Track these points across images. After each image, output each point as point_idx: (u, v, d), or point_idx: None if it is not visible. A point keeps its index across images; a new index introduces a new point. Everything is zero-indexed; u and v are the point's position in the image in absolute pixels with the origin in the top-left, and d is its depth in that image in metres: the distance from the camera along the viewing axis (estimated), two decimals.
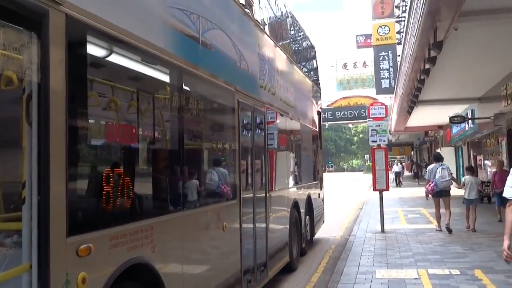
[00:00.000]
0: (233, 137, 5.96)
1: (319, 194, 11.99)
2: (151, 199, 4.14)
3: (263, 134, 7.31)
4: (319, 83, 13.41)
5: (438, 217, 12.31)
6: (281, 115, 8.51)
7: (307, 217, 10.25)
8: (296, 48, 11.13)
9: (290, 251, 8.43)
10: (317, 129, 12.38)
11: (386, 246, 10.18)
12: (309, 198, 10.48)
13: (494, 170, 15.19)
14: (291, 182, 9.27)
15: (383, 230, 12.18)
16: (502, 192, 10.98)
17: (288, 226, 8.35)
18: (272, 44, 8.20)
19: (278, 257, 7.66)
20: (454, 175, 15.29)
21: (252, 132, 6.74)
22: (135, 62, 3.98)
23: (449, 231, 11.62)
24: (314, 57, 13.48)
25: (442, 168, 12.02)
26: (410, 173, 48.90)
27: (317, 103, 12.77)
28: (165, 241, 4.01)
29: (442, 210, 12.05)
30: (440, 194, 12.12)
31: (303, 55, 11.99)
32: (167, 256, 4.03)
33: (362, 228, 13.10)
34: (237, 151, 5.94)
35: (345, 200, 24.90)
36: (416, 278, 7.24)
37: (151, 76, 4.30)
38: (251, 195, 6.53)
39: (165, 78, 4.47)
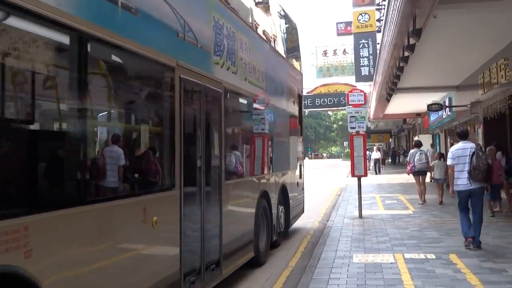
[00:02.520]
0: (171, 118, 5.08)
1: (297, 183, 11.26)
2: (26, 192, 3.22)
3: (217, 116, 6.46)
4: (300, 65, 12.60)
5: (420, 192, 15.08)
6: (247, 96, 7.80)
7: (281, 207, 9.52)
8: (271, 26, 10.10)
9: (256, 245, 7.74)
10: (297, 114, 11.58)
11: (364, 231, 10.29)
12: (283, 187, 9.79)
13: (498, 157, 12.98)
14: (258, 170, 8.41)
15: (361, 216, 12.30)
16: (496, 185, 11.20)
17: (253, 218, 7.67)
18: (235, 19, 7.47)
19: (239, 252, 6.96)
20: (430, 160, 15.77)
21: (201, 114, 5.87)
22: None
23: (424, 200, 14.84)
24: (295, 38, 12.43)
25: (420, 152, 15.13)
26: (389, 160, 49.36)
27: (297, 86, 11.91)
28: (48, 245, 3.22)
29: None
30: (418, 173, 15.07)
31: (280, 35, 10.94)
32: (50, 263, 3.23)
33: (340, 214, 13.21)
34: (176, 135, 5.08)
35: (324, 186, 25.07)
36: (392, 263, 7.34)
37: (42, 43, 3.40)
38: (198, 185, 5.69)
39: (64, 47, 3.64)
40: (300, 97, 12.07)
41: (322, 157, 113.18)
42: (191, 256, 5.46)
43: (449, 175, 8.78)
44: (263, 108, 8.82)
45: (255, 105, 8.36)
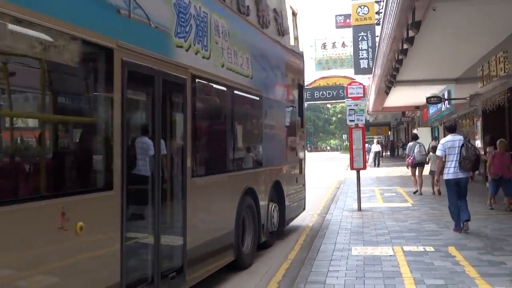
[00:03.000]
0: (105, 106, 4.41)
1: (296, 178, 10.48)
2: None
3: (180, 105, 5.74)
4: (300, 53, 11.42)
5: (414, 182, 15.80)
6: (225, 85, 6.97)
7: (273, 205, 8.74)
8: (261, 9, 8.78)
9: (237, 248, 7.06)
10: (295, 105, 10.61)
11: (363, 224, 10.30)
12: (277, 183, 9.02)
13: (490, 151, 13.47)
14: (241, 165, 7.72)
15: (360, 209, 12.31)
16: (499, 178, 11.23)
17: (233, 219, 6.97)
18: None
19: (213, 256, 6.31)
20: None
21: (155, 102, 5.12)
22: None
23: (415, 192, 15.42)
24: (294, 23, 11.20)
25: (419, 145, 15.54)
26: (388, 153, 49.37)
27: (296, 75, 10.94)
28: None
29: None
30: (417, 165, 15.49)
31: (274, 18, 9.57)
32: None
33: (339, 206, 13.23)
34: (115, 127, 4.35)
35: (323, 179, 25.08)
36: (391, 255, 7.35)
37: None
38: (150, 184, 5.06)
39: None
40: (301, 87, 11.17)
41: (324, 150, 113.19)
42: (140, 264, 4.98)
43: (438, 165, 9.76)
44: (248, 98, 8.06)
45: (236, 95, 7.49)
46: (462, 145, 9.03)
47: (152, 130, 5.20)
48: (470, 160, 8.89)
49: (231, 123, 7.43)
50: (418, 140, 15.92)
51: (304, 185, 11.15)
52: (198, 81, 6.11)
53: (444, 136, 11.15)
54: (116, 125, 4.38)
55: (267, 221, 8.44)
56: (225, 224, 6.81)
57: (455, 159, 9.00)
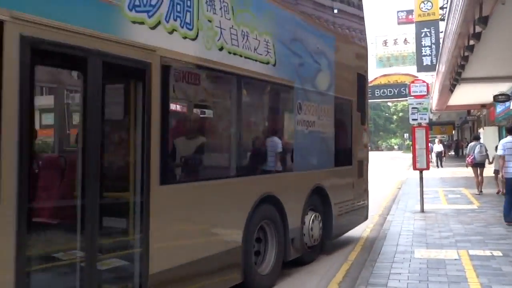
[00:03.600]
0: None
1: (352, 183, 9.03)
2: None
3: (140, 97, 4.53)
4: (360, 35, 9.90)
5: (477, 183, 15.93)
6: (223, 73, 5.75)
7: (313, 215, 7.52)
8: None
9: (247, 267, 5.92)
10: (352, 98, 9.18)
11: (426, 226, 10.04)
12: (319, 189, 7.73)
13: None
14: (255, 168, 6.67)
15: (422, 210, 12.01)
16: None
17: (241, 232, 5.81)
18: None
19: (203, 279, 5.23)
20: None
21: (93, 92, 4.02)
22: None
23: (480, 192, 15.60)
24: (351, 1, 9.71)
25: (480, 145, 15.98)
26: (452, 153, 47.96)
27: (354, 62, 9.49)
28: None
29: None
30: (477, 165, 15.79)
31: None
32: None
33: (400, 208, 12.96)
34: (9, 122, 3.36)
35: (384, 179, 24.65)
36: (456, 259, 7.12)
37: None
38: (80, 196, 4.01)
39: None
40: (362, 78, 9.71)
41: (384, 150, 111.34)
42: None
43: (500, 164, 10.57)
44: (268, 89, 6.98)
45: (247, 85, 6.34)
46: None
47: (85, 127, 4.04)
48: None
49: (236, 118, 6.07)
50: (479, 141, 16.70)
51: (366, 190, 9.76)
52: (173, 66, 4.98)
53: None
54: (10, 121, 3.35)
55: (301, 235, 7.24)
56: (226, 239, 5.67)
57: None
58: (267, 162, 6.79)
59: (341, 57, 8.82)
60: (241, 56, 5.93)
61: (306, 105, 7.46)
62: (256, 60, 6.20)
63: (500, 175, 11.32)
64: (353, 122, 9.23)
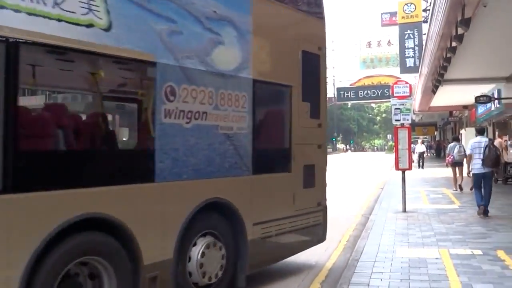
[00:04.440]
0: None
1: (293, 195, 6.76)
2: None
3: None
4: (312, 3, 7.67)
5: (454, 181, 17.09)
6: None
7: (207, 243, 5.48)
8: None
9: None
10: (294, 84, 6.86)
11: (408, 225, 10.12)
12: (220, 205, 5.66)
13: None
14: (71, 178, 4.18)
15: (404, 210, 12.10)
16: None
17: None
18: None
19: None
20: None
21: None
22: None
23: (461, 189, 16.48)
24: None
25: (459, 146, 16.84)
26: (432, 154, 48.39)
27: (299, 36, 7.14)
28: None
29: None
30: (456, 164, 16.87)
31: None
32: None
33: (383, 207, 13.04)
34: None
35: (366, 179, 24.81)
36: (437, 258, 7.19)
37: None
38: None
39: None
40: (312, 57, 7.33)
41: (367, 150, 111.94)
42: None
43: (467, 161, 11.84)
44: (97, 64, 5.01)
45: (44, 57, 4.54)
46: (486, 146, 10.88)
47: None
48: (490, 159, 10.73)
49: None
50: (459, 141, 17.73)
51: (320, 204, 7.45)
52: None
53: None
54: None
55: (181, 272, 5.19)
56: None
57: (480, 157, 10.82)
58: (95, 170, 4.49)
59: (268, 27, 6.60)
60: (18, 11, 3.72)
61: (187, 90, 5.25)
62: (66, 21, 4.03)
63: (466, 172, 13.07)
64: (293, 115, 6.84)
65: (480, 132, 11.75)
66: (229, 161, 5.77)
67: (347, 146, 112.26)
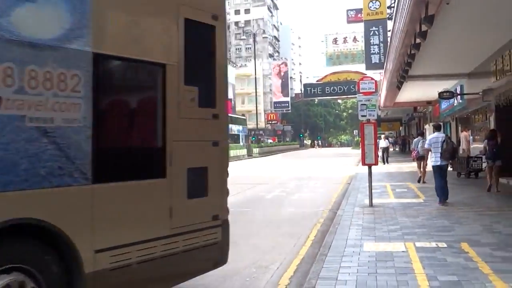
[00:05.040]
0: None
1: (169, 209, 5.17)
2: None
3: None
4: None
5: (420, 173, 18.00)
6: None
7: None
8: None
9: None
10: (171, 61, 5.24)
11: (374, 220, 10.25)
12: (30, 228, 4.04)
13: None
14: None
15: (371, 204, 12.26)
16: None
17: None
18: None
19: None
20: None
21: None
22: None
23: (419, 181, 17.58)
24: None
25: (423, 141, 17.31)
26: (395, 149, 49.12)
27: (178, 0, 5.41)
28: None
29: None
30: (420, 158, 17.70)
31: None
32: None
33: (350, 202, 13.18)
34: None
35: (333, 175, 25.03)
36: (403, 251, 7.31)
37: None
38: None
39: None
40: (201, 28, 5.70)
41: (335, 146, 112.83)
42: None
43: (425, 154, 13.87)
44: None
45: None
46: (444, 141, 11.97)
47: None
48: (448, 152, 11.91)
49: None
50: (423, 136, 19.18)
51: (217, 218, 5.75)
52: None
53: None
54: None
55: None
56: None
57: (438, 151, 11.90)
58: None
59: None
60: None
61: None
62: None
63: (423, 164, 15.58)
64: (168, 102, 5.21)
65: (437, 128, 12.84)
66: (47, 166, 4.11)
67: (315, 142, 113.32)
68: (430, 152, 12.48)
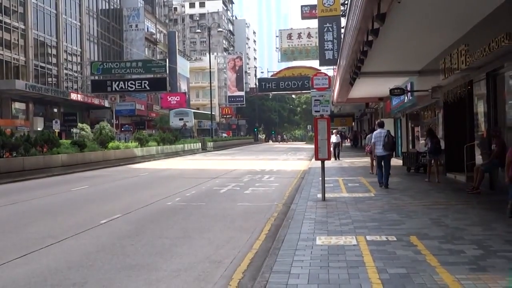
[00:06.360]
0: None
1: None
2: None
3: None
4: None
5: (372, 165, 19.26)
6: None
7: None
8: None
9: None
10: None
11: (327, 214, 10.39)
12: None
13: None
14: None
15: (324, 199, 12.41)
16: None
17: None
18: None
19: None
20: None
21: None
22: None
23: (372, 172, 18.83)
24: None
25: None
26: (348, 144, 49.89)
27: None
28: None
29: None
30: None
31: None
32: None
33: (303, 196, 13.31)
34: None
35: (287, 169, 25.22)
36: (355, 245, 7.44)
37: None
38: None
39: None
40: None
41: (288, 141, 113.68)
42: None
43: (372, 147, 16.34)
44: None
45: None
46: (386, 135, 14.59)
47: None
48: (389, 145, 14.62)
49: None
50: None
51: None
52: None
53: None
54: None
55: None
56: None
57: (381, 144, 14.58)
58: None
59: None
60: None
61: None
62: None
63: (373, 155, 16.79)
64: None
65: (381, 125, 15.39)
66: None
67: (280, 136, 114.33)
68: (374, 145, 15.11)
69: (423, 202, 11.72)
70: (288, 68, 56.81)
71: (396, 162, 22.10)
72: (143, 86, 56.16)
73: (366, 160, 25.23)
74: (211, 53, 68.38)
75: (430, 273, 5.84)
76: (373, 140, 15.34)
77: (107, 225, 10.11)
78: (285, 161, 33.48)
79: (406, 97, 23.36)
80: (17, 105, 46.83)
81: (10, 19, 46.35)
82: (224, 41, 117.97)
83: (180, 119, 65.97)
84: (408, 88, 22.00)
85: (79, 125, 43.97)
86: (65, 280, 6.38)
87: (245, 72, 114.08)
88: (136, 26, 70.53)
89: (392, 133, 26.35)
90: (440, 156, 16.62)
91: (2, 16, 45.20)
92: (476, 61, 12.50)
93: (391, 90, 21.70)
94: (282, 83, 51.57)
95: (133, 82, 55.93)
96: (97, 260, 7.33)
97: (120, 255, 7.61)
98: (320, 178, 12.97)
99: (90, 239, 8.85)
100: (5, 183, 19.64)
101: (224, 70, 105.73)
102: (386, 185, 14.57)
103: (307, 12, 57.04)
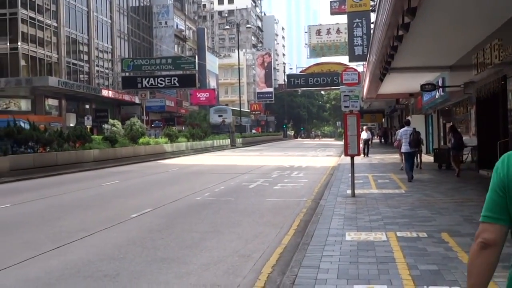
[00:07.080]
0: None
1: None
2: None
3: None
4: None
5: (401, 160, 19.13)
6: None
7: None
8: None
9: None
10: None
11: (356, 210, 10.35)
12: None
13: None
14: None
15: (353, 195, 12.35)
16: None
17: None
18: None
19: None
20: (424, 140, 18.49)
21: None
22: None
23: (402, 168, 18.38)
24: None
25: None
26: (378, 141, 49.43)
27: None
28: None
29: None
30: None
31: None
32: None
33: (333, 192, 13.27)
34: None
35: (317, 165, 25.15)
36: (384, 241, 7.39)
37: None
38: None
39: None
40: None
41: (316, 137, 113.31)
42: None
43: (398, 144, 17.49)
44: None
45: None
46: (411, 133, 15.39)
47: None
48: (415, 142, 15.41)
49: None
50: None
51: None
52: None
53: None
54: None
55: None
56: None
57: (407, 141, 15.32)
58: None
59: None
60: None
61: None
62: None
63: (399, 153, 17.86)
64: None
65: (407, 123, 16.32)
66: None
67: (306, 133, 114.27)
68: (401, 142, 15.89)
69: (455, 199, 11.57)
70: (317, 64, 56.56)
71: (427, 158, 21.93)
72: (172, 83, 56.54)
73: (396, 157, 24.96)
74: (240, 50, 68.53)
75: (462, 270, 5.75)
76: (398, 137, 16.58)
77: (137, 219, 10.27)
78: (314, 157, 33.39)
79: (437, 93, 23.03)
80: (50, 102, 47.79)
81: (43, 17, 47.38)
82: (252, 38, 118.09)
83: (219, 116, 67.66)
84: (440, 84, 21.69)
85: (110, 121, 44.58)
86: (97, 271, 6.51)
87: (274, 68, 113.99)
88: (166, 23, 71.20)
89: (423, 130, 26.96)
90: (462, 151, 17.60)
91: (35, 14, 46.24)
92: (510, 55, 12.25)
93: (422, 86, 21.43)
94: (311, 79, 51.40)
95: (163, 79, 56.36)
96: (128, 253, 7.46)
97: (151, 249, 7.72)
98: (350, 174, 12.91)
99: (121, 233, 9.01)
100: (39, 177, 20.12)
101: (253, 66, 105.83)
102: (412, 178, 15.25)
103: (336, 8, 56.69)
